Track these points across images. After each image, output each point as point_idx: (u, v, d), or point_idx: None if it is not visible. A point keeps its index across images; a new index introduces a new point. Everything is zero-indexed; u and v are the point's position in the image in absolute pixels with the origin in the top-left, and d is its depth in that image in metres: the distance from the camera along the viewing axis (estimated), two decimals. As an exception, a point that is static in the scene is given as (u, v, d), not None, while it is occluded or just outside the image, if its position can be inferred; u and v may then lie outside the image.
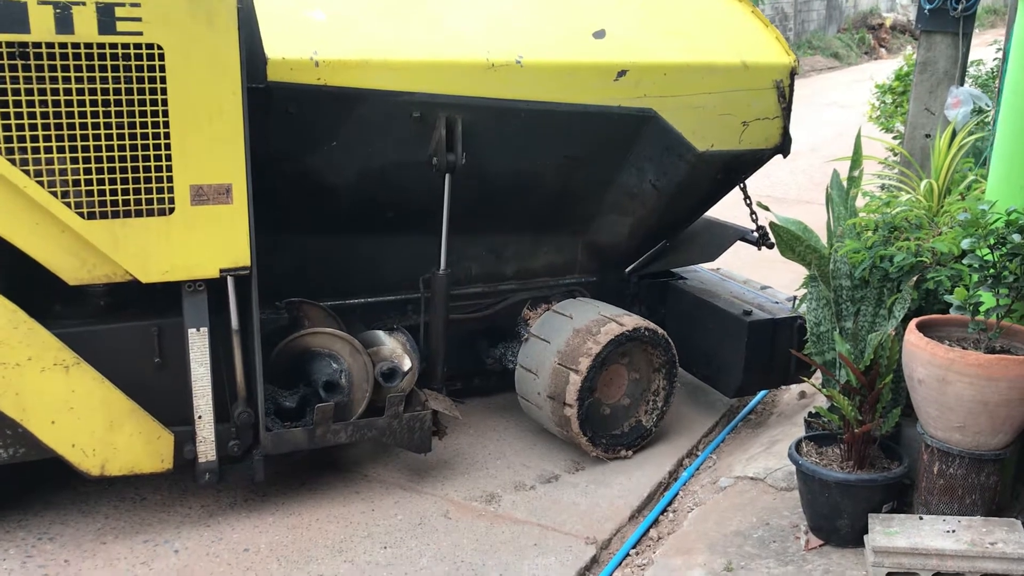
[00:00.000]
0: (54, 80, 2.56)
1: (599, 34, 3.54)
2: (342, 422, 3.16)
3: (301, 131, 3.15)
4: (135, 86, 2.65)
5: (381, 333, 3.46)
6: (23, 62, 2.52)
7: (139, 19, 2.61)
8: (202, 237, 2.83)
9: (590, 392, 3.52)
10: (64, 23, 2.54)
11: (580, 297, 3.98)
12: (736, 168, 3.97)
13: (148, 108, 2.67)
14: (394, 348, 3.36)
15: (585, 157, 3.68)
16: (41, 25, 2.51)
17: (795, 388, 4.36)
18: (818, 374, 3.43)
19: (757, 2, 17.42)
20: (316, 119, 3.15)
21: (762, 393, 4.38)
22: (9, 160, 2.57)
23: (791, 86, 3.84)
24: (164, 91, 2.68)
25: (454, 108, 3.28)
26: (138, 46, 2.62)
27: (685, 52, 3.66)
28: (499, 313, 3.94)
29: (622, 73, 3.50)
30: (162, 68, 2.66)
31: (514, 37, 3.42)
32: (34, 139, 2.58)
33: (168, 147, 2.72)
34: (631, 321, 3.60)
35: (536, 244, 3.99)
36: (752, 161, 3.99)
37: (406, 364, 3.32)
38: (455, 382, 3.87)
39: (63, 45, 2.55)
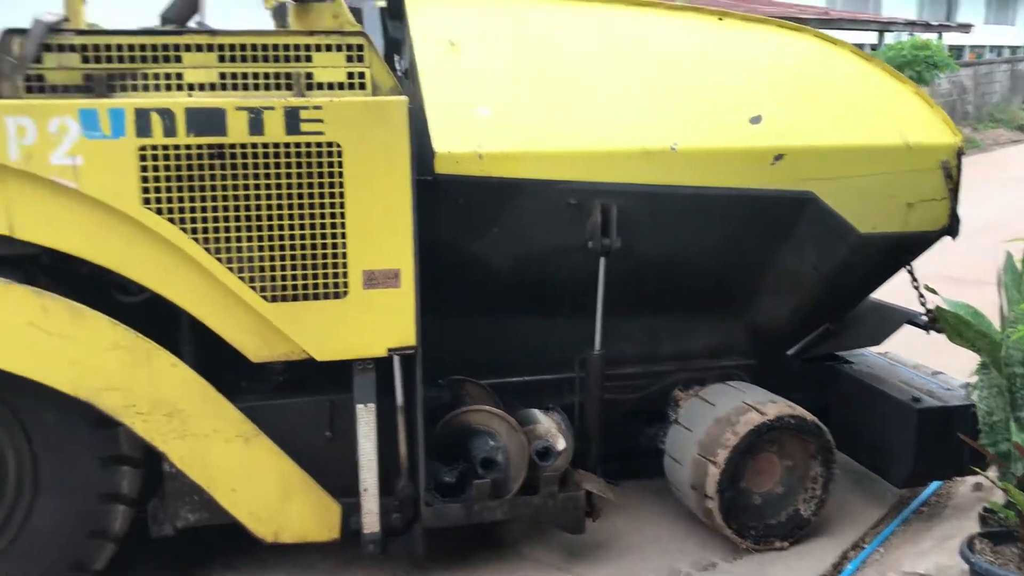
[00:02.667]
0: (246, 176, 2.84)
1: (755, 119, 3.57)
2: (498, 499, 3.24)
3: (466, 219, 3.33)
4: (315, 180, 2.90)
5: (537, 412, 3.53)
6: (220, 161, 2.82)
7: (320, 120, 2.86)
8: (372, 318, 3.02)
9: (732, 483, 3.45)
10: (256, 126, 2.82)
11: (737, 380, 3.93)
12: (901, 250, 3.86)
13: (327, 200, 2.91)
14: (549, 427, 3.43)
15: (741, 240, 3.68)
16: (237, 128, 2.81)
17: (970, 480, 4.11)
18: (995, 466, 3.24)
19: (933, 76, 16.83)
20: (480, 207, 3.32)
21: (935, 484, 4.15)
22: (205, 248, 2.85)
23: (959, 166, 3.73)
24: (341, 184, 2.91)
25: (609, 194, 3.38)
26: (319, 144, 2.88)
27: (845, 134, 3.64)
28: (654, 394, 3.94)
29: (779, 157, 3.51)
30: (340, 164, 2.90)
31: (668, 124, 3.50)
32: (227, 229, 2.85)
33: (344, 235, 2.95)
34: (774, 409, 3.52)
35: (692, 325, 3.99)
36: (918, 243, 3.87)
37: (560, 444, 3.37)
38: (610, 463, 3.88)
39: (255, 145, 2.83)
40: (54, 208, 2.75)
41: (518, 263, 3.49)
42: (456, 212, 3.29)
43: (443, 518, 3.19)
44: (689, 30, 3.87)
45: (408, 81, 3.40)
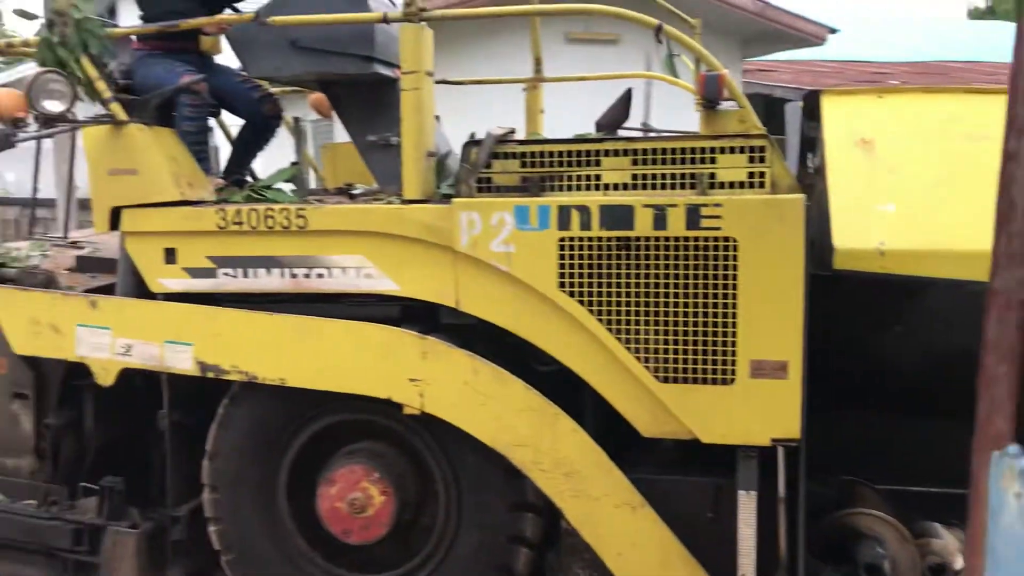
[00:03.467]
0: (648, 266, 3.13)
1: None
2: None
3: (865, 315, 3.29)
4: (711, 272, 3.09)
5: (938, 526, 3.32)
6: (626, 252, 3.14)
7: (719, 216, 3.07)
8: (757, 407, 3.11)
9: None
10: (660, 221, 3.10)
11: None
12: None
13: (720, 291, 3.09)
14: (948, 544, 3.21)
15: None
16: (643, 223, 3.11)
17: None
18: None
19: None
20: (880, 305, 3.26)
21: None
22: (608, 328, 3.17)
23: None
24: (735, 276, 3.08)
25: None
26: (716, 239, 3.08)
27: None
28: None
29: None
30: (735, 257, 3.07)
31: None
32: (628, 313, 3.16)
33: (734, 325, 3.10)
34: None
35: None
36: None
37: (958, 563, 3.14)
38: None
39: (657, 239, 3.11)
40: (490, 287, 3.27)
41: (922, 363, 3.33)
42: (855, 308, 3.27)
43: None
44: None
45: (817, 178, 3.48)
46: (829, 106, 3.60)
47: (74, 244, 5.06)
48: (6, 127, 3.49)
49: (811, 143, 3.81)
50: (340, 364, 3.37)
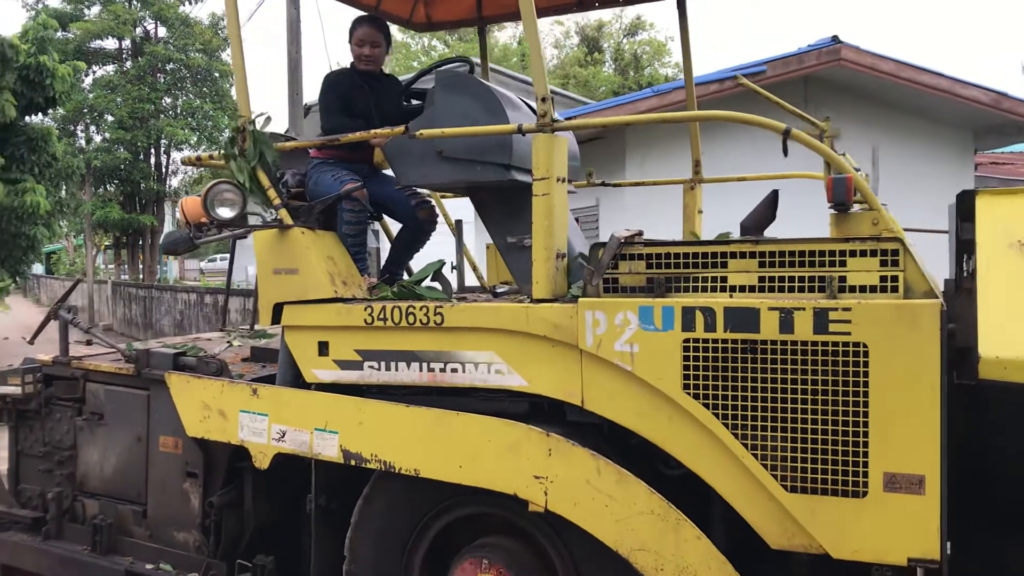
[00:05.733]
0: (774, 371, 3.06)
1: None
2: None
3: (1015, 427, 3.05)
4: (840, 378, 2.99)
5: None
6: (751, 355, 3.09)
7: (848, 321, 2.97)
8: (892, 523, 2.93)
9: None
10: (786, 325, 3.04)
11: None
12: None
13: (850, 398, 2.97)
14: None
15: None
16: (768, 326, 3.06)
17: None
18: None
19: None
20: (1033, 418, 3.03)
21: None
22: (733, 433, 3.11)
23: None
24: (866, 384, 2.95)
25: None
26: (846, 344, 2.98)
27: None
28: None
29: None
30: (865, 364, 2.95)
31: None
32: (753, 418, 3.09)
33: (866, 435, 2.96)
34: None
35: None
36: None
37: None
38: None
39: (784, 342, 3.05)
40: (614, 387, 3.30)
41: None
42: (1004, 419, 3.04)
43: None
44: None
45: (971, 282, 3.31)
46: (984, 206, 3.44)
47: (257, 335, 5.52)
48: (192, 231, 3.92)
49: (967, 245, 3.63)
50: (470, 458, 3.47)
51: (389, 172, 4.75)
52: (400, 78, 5.04)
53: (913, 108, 11.94)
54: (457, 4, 5.62)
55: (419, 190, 4.58)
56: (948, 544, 3.16)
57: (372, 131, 3.91)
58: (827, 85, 11.87)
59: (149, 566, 4.35)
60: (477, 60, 5.35)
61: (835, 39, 11.18)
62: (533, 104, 3.68)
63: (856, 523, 2.98)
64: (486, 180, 3.90)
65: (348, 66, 4.67)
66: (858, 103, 12.05)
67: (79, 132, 28.62)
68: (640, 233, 3.41)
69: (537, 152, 3.42)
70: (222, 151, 3.98)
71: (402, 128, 3.75)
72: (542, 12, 5.54)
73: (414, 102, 4.77)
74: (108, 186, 28.98)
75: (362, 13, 4.88)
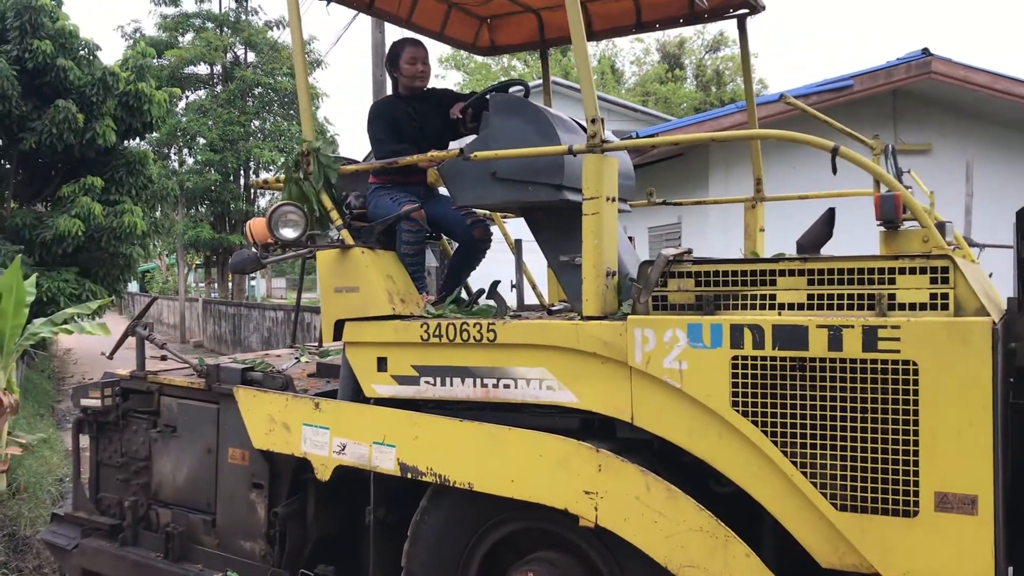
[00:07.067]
0: (823, 388, 3.05)
1: None
2: None
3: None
4: (890, 396, 2.96)
5: None
6: (800, 373, 3.09)
7: (898, 339, 2.95)
8: (944, 544, 2.89)
9: None
10: (835, 342, 3.03)
11: None
12: None
13: (900, 416, 2.95)
14: None
15: None
16: (817, 344, 3.06)
17: None
18: None
19: None
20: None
21: None
22: (782, 451, 3.11)
23: None
24: (916, 402, 2.92)
25: None
26: (895, 362, 2.95)
27: None
28: None
29: None
30: (915, 382, 2.92)
31: None
32: (803, 436, 3.08)
33: (916, 453, 2.92)
34: None
35: None
36: None
37: None
38: None
39: (832, 360, 3.04)
40: (663, 403, 3.32)
41: None
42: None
43: None
44: None
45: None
46: (1045, 222, 3.37)
47: (325, 351, 5.69)
48: (259, 251, 4.09)
49: (1028, 263, 3.55)
50: (521, 472, 3.53)
51: (443, 191, 4.88)
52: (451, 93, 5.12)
53: (1009, 121, 11.54)
54: (520, 28, 5.73)
55: (475, 210, 4.68)
56: (1011, 569, 3.10)
57: (429, 154, 4.02)
58: (917, 99, 11.56)
59: (217, 574, 4.52)
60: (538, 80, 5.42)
61: (925, 51, 10.90)
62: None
63: (907, 543, 2.94)
64: (538, 200, 3.97)
65: (390, 94, 4.83)
66: (949, 116, 11.69)
67: (172, 155, 29.70)
68: (689, 251, 3.43)
69: (587, 172, 3.48)
70: (285, 174, 4.15)
71: (457, 151, 3.86)
72: (601, 35, 5.62)
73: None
74: (199, 207, 29.95)
75: (403, 36, 5.02)
